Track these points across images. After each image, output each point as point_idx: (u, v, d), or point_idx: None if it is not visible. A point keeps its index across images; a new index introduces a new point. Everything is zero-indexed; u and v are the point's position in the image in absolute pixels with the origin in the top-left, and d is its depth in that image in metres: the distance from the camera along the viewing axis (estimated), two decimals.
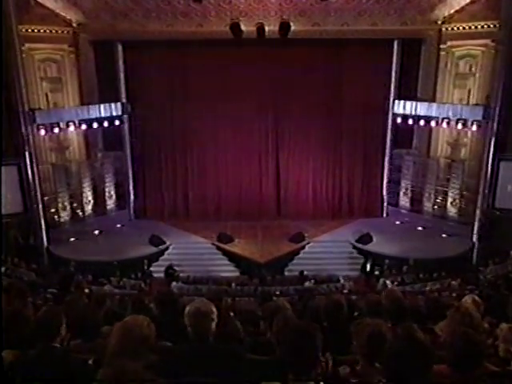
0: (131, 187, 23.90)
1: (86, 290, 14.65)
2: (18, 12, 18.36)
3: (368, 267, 19.97)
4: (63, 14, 20.16)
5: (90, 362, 4.04)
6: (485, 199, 20.16)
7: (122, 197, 23.77)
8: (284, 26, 18.15)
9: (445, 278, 17.79)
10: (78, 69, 21.36)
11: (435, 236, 21.44)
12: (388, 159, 23.67)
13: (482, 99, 20.11)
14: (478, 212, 20.53)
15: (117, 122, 22.04)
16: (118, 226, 23.00)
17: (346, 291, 17.04)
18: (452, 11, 20.32)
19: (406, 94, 22.24)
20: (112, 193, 23.50)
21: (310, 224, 22.71)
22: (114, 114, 21.85)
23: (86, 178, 22.45)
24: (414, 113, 21.57)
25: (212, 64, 22.07)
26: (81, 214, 22.42)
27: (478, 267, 18.82)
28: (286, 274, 20.28)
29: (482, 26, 19.72)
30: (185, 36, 20.85)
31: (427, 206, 22.92)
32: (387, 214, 24.11)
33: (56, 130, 20.30)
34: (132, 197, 23.98)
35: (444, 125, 20.86)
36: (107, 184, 23.26)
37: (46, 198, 20.63)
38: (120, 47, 21.97)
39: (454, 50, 20.93)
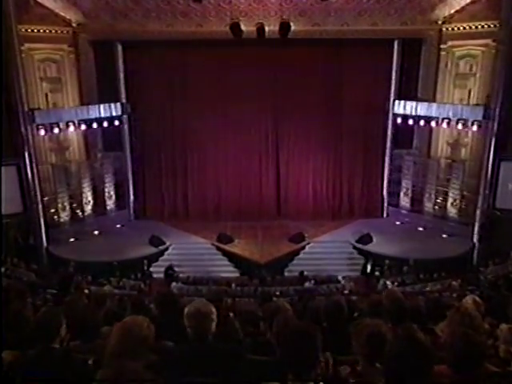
0: (131, 187, 23.89)
1: (86, 291, 14.69)
2: (18, 12, 18.32)
3: (369, 268, 19.92)
4: (63, 13, 20.13)
5: (90, 362, 4.04)
6: (485, 199, 20.14)
7: (121, 197, 23.75)
8: (284, 26, 18.10)
9: (445, 278, 17.75)
10: (78, 69, 21.33)
11: (435, 236, 21.44)
12: (388, 159, 23.65)
13: (483, 99, 20.08)
14: (478, 212, 20.51)
15: (116, 123, 22.06)
16: (118, 226, 23.01)
17: (346, 292, 17.02)
18: (452, 11, 20.29)
19: (406, 94, 22.23)
20: (112, 193, 23.48)
21: (310, 224, 22.69)
22: (114, 114, 21.85)
23: (85, 179, 22.42)
24: (414, 113, 21.56)
25: (212, 64, 22.10)
26: (80, 214, 22.39)
27: (479, 268, 18.79)
28: (286, 274, 20.25)
29: (483, 26, 19.69)
30: (185, 36, 20.82)
31: (427, 206, 22.89)
32: (387, 215, 24.09)
33: (56, 130, 20.29)
34: (132, 197, 23.97)
35: (444, 125, 20.86)
36: (107, 184, 23.23)
37: (45, 199, 20.62)
38: (120, 47, 21.97)
39: (454, 49, 20.90)
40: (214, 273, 19.95)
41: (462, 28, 20.38)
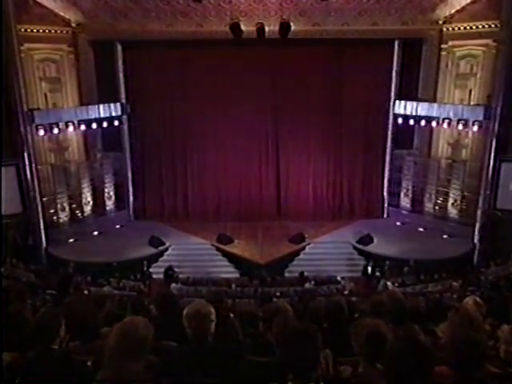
0: (130, 188, 23.88)
1: (85, 291, 14.67)
2: (17, 12, 18.32)
3: (369, 270, 19.86)
4: (62, 13, 20.12)
5: (89, 363, 4.03)
6: (486, 200, 20.11)
7: (121, 197, 23.76)
8: (284, 26, 18.06)
9: (446, 279, 17.75)
10: (77, 69, 21.32)
11: (436, 237, 21.41)
12: (389, 160, 23.63)
13: (483, 99, 20.08)
14: (479, 213, 20.48)
15: (116, 123, 22.09)
16: (118, 226, 22.99)
17: (346, 292, 16.99)
18: (453, 11, 20.26)
19: (406, 94, 22.22)
20: (111, 193, 23.48)
21: (311, 225, 22.65)
22: (114, 114, 21.86)
23: (85, 179, 22.41)
24: (414, 113, 21.56)
25: (212, 64, 22.07)
26: (80, 214, 22.37)
27: (480, 268, 18.76)
28: (286, 275, 20.21)
29: (483, 26, 19.67)
30: (184, 36, 20.81)
31: (428, 206, 22.86)
32: (388, 215, 24.06)
33: (55, 131, 20.29)
34: (131, 197, 23.95)
35: (445, 125, 20.87)
36: (106, 185, 23.24)
37: (44, 199, 20.59)
38: (119, 47, 21.97)
39: (454, 49, 20.88)
40: (213, 273, 19.90)
41: (462, 28, 20.36)
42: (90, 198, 22.70)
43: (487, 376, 3.74)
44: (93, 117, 21.14)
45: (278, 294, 16.49)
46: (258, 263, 20.05)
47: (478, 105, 20.25)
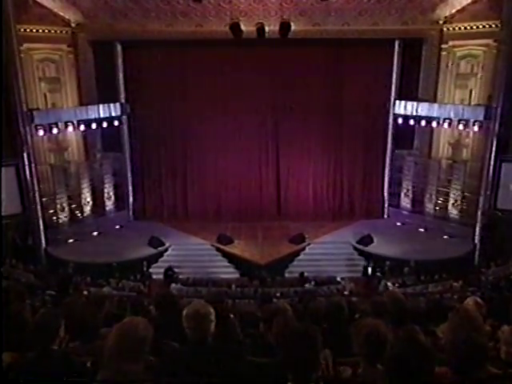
0: (130, 188, 23.85)
1: (85, 292, 14.64)
2: (17, 12, 18.30)
3: (369, 270, 19.83)
4: (62, 13, 20.10)
5: (89, 364, 4.04)
6: (486, 200, 20.09)
7: (120, 198, 23.74)
8: (284, 26, 18.05)
9: (446, 279, 17.75)
10: (77, 69, 21.29)
11: (436, 237, 21.39)
12: (389, 160, 23.60)
13: (484, 99, 20.05)
14: (479, 213, 20.46)
15: (116, 123, 22.04)
16: (117, 227, 22.95)
17: (346, 293, 16.96)
18: (453, 11, 20.24)
19: (407, 94, 22.18)
20: (111, 194, 23.46)
21: (311, 225, 22.61)
22: (113, 114, 21.83)
23: (84, 179, 22.38)
24: (415, 113, 21.53)
25: (212, 64, 22.07)
26: (79, 214, 22.34)
27: (480, 269, 18.73)
28: (287, 275, 20.18)
29: (484, 26, 19.65)
30: (184, 36, 20.78)
31: (428, 207, 22.83)
32: (388, 215, 24.04)
33: (54, 131, 20.26)
34: (131, 198, 23.93)
35: (445, 125, 20.84)
36: (106, 185, 23.22)
37: (44, 199, 20.55)
38: (119, 47, 21.96)
39: (455, 49, 20.86)
40: (213, 274, 19.88)
41: (463, 28, 20.34)
42: (89, 199, 22.66)
43: (488, 377, 3.72)
44: (92, 117, 21.09)
45: (278, 294, 16.48)
46: (258, 263, 20.01)
47: (478, 105, 20.23)
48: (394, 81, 22.32)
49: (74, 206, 22.12)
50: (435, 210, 22.62)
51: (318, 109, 22.84)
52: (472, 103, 20.59)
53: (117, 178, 23.54)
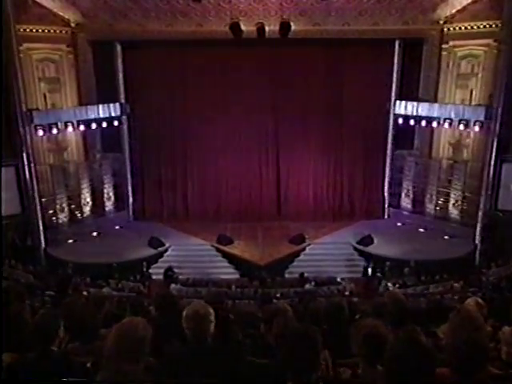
0: (130, 188, 23.80)
1: (84, 293, 14.62)
2: (16, 11, 18.28)
3: (370, 270, 19.79)
4: (61, 13, 20.10)
5: (88, 365, 4.01)
6: (487, 201, 20.04)
7: (120, 198, 23.72)
8: (284, 26, 18.03)
9: (447, 280, 17.74)
10: (77, 69, 21.30)
11: (437, 238, 21.35)
12: (389, 160, 23.56)
13: (485, 99, 20.03)
14: (480, 213, 20.40)
15: (115, 123, 22.02)
16: (117, 227, 22.89)
17: (346, 293, 16.93)
18: (454, 11, 20.23)
19: (407, 94, 22.17)
20: (110, 194, 23.46)
21: (311, 225, 22.58)
22: (113, 114, 21.81)
23: (84, 179, 22.38)
24: (415, 113, 21.52)
25: (212, 64, 22.07)
26: (79, 215, 22.33)
27: (481, 269, 18.72)
28: (287, 276, 20.13)
29: (484, 26, 19.65)
30: (184, 36, 20.77)
31: (429, 207, 22.82)
32: (388, 216, 23.99)
33: (54, 131, 20.25)
34: (131, 198, 23.88)
35: (446, 125, 20.83)
36: (106, 185, 23.22)
37: (43, 200, 20.52)
38: (119, 47, 21.92)
39: (455, 49, 20.84)
40: (213, 274, 19.83)
41: (463, 28, 20.33)
42: (89, 199, 22.66)
43: (488, 378, 3.70)
44: (92, 117, 21.07)
45: (278, 295, 16.49)
46: (258, 264, 19.97)
47: (479, 105, 20.21)
48: (394, 81, 22.28)
49: (73, 206, 22.11)
50: (436, 210, 22.60)
51: (318, 109, 22.81)
52: (472, 103, 20.57)
53: (116, 179, 23.52)
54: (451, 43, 20.84)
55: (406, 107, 21.85)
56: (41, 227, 20.22)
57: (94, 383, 3.46)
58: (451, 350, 3.72)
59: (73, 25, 20.59)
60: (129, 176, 23.61)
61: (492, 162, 19.58)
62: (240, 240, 21.56)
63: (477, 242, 20.46)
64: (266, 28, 18.77)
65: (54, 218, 21.41)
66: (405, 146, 23.15)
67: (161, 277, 19.43)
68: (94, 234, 21.98)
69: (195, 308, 4.12)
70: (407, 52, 21.91)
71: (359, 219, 23.55)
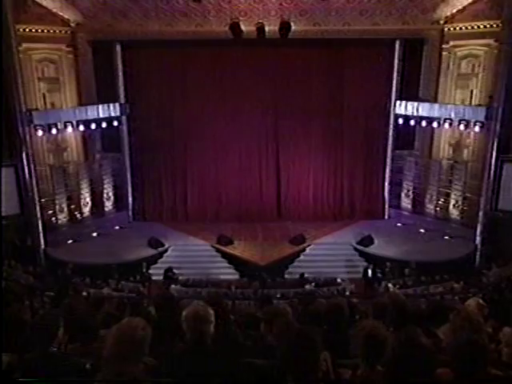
0: (130, 189, 23.76)
1: (84, 293, 14.58)
2: (16, 11, 18.28)
3: (370, 272, 19.76)
4: (61, 13, 20.07)
5: (88, 365, 4.04)
6: (488, 201, 19.99)
7: (120, 198, 23.69)
8: (284, 26, 18.06)
9: (447, 280, 17.71)
10: (76, 69, 21.26)
11: (437, 238, 21.33)
12: (389, 160, 23.51)
13: (485, 100, 20.01)
14: (480, 214, 20.36)
15: (115, 123, 21.97)
16: (117, 228, 22.86)
17: (347, 294, 16.91)
18: (454, 11, 20.21)
19: (407, 94, 22.12)
20: (110, 194, 23.44)
21: (311, 226, 22.55)
22: (113, 114, 21.77)
23: (83, 180, 22.36)
24: (415, 113, 21.48)
25: (212, 64, 22.09)
26: (79, 215, 22.31)
27: (481, 270, 18.71)
28: (287, 276, 20.10)
29: (485, 26, 19.61)
30: (184, 36, 20.73)
31: (429, 207, 22.80)
32: (389, 216, 23.96)
33: (54, 131, 20.24)
34: (130, 198, 23.85)
35: (446, 126, 20.82)
36: (105, 186, 23.20)
37: (43, 200, 20.48)
38: (119, 47, 21.84)
39: (456, 50, 20.81)
40: (213, 275, 19.83)
41: (464, 28, 20.30)
42: (88, 199, 22.64)
43: (489, 378, 3.77)
44: (92, 117, 21.04)
45: (278, 295, 16.42)
46: (258, 264, 19.95)
47: (479, 105, 20.19)
48: (394, 81, 22.22)
49: (73, 206, 22.09)
50: (436, 210, 22.58)
51: (319, 109, 22.79)
52: (473, 103, 20.54)
53: (116, 179, 23.50)
54: (451, 43, 20.81)
55: (406, 107, 21.82)
56: (40, 228, 20.18)
57: (94, 383, 3.47)
58: (452, 351, 3.76)
59: (73, 25, 20.56)
60: (129, 176, 23.57)
61: (492, 163, 19.52)
62: (240, 240, 21.51)
63: (477, 242, 20.42)
64: (266, 28, 18.81)
65: (53, 219, 21.38)
66: (405, 147, 23.12)
67: (161, 277, 19.37)
68: (94, 234, 21.95)
69: (195, 308, 4.15)
70: (407, 52, 21.84)
71: (359, 219, 23.52)
